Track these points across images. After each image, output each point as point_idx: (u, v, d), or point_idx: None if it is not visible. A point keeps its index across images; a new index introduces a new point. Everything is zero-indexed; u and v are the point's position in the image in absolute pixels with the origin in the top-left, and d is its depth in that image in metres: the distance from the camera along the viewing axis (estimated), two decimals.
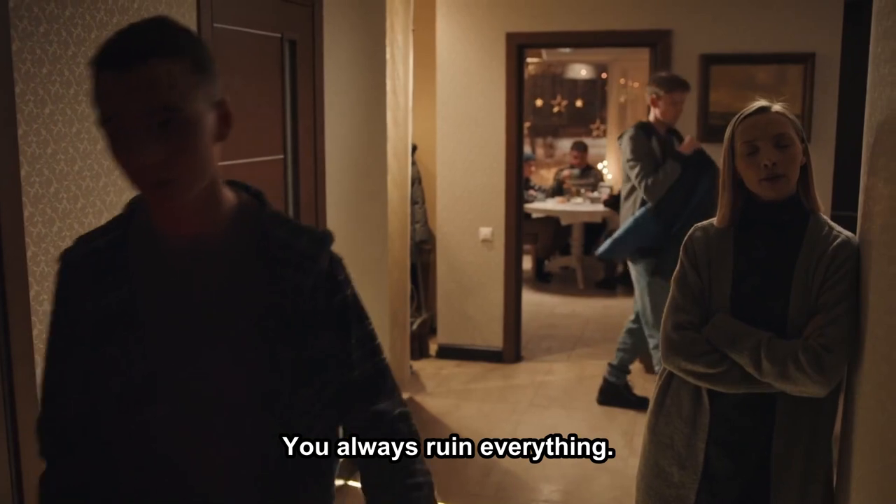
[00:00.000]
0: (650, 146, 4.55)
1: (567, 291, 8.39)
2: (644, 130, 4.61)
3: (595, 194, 8.79)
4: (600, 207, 8.50)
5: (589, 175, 9.27)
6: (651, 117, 4.70)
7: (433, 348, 6.17)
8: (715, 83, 5.31)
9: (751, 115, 2.09)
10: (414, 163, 5.85)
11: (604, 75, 11.09)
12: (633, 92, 10.33)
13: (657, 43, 5.43)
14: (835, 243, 2.02)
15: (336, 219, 3.77)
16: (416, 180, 6.05)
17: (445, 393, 5.38)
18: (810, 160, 2.11)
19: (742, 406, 2.10)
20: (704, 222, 2.23)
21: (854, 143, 3.80)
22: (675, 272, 2.22)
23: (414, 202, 5.92)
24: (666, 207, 4.47)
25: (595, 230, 9.16)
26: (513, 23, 5.65)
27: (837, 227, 2.08)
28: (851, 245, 2.02)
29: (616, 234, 4.72)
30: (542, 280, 8.84)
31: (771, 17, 5.18)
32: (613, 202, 8.27)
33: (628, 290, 8.27)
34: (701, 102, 5.36)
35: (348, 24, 3.84)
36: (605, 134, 10.87)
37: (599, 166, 10.17)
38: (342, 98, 3.80)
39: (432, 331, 6.30)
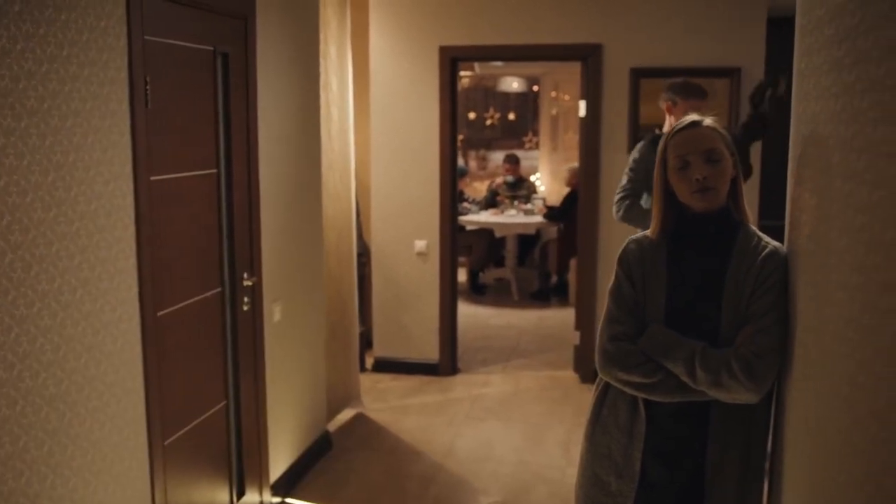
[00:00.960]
0: (652, 164, 4.31)
1: (501, 303, 8.44)
2: (655, 145, 4.36)
3: (528, 206, 8.87)
4: (534, 219, 8.58)
5: (522, 187, 9.36)
6: (666, 126, 4.43)
7: (369, 361, 6.14)
8: (645, 96, 5.42)
9: (682, 129, 2.14)
10: None
11: (535, 88, 11.22)
12: (565, 104, 10.47)
13: (588, 57, 5.52)
14: (763, 254, 2.07)
15: (271, 234, 3.73)
16: None
17: (383, 407, 5.36)
18: (740, 173, 2.16)
19: (677, 415, 2.14)
20: (638, 234, 2.27)
21: (779, 154, 3.91)
22: (610, 284, 2.25)
23: None
24: None
25: (529, 242, 9.25)
26: (446, 36, 5.68)
27: (766, 238, 2.14)
28: (779, 255, 2.07)
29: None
30: (477, 292, 8.87)
31: (698, 33, 5.31)
32: (553, 214, 8.34)
33: (562, 301, 8.38)
34: (631, 116, 5.46)
35: (281, 37, 3.81)
36: (537, 146, 10.98)
37: (532, 178, 10.28)
38: (276, 111, 3.77)
39: (369, 344, 6.27)
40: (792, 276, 2.02)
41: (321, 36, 4.43)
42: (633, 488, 2.18)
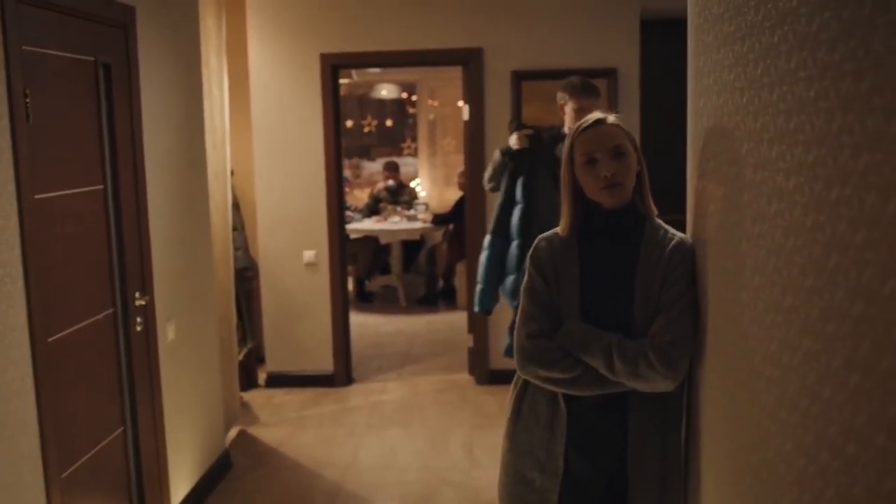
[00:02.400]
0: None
1: (390, 310, 8.42)
2: (506, 158, 4.38)
3: (411, 212, 8.89)
4: (418, 225, 8.61)
5: (403, 193, 9.37)
6: (566, 125, 4.31)
7: (262, 377, 6.01)
8: (527, 98, 5.52)
9: (588, 127, 2.18)
10: (231, 188, 5.69)
11: (409, 96, 11.25)
12: (442, 110, 10.55)
13: (469, 61, 5.58)
14: (671, 245, 2.14)
15: (162, 250, 3.60)
16: (235, 206, 5.88)
17: (279, 422, 5.25)
18: (644, 168, 2.22)
19: (597, 408, 2.18)
20: (548, 232, 2.30)
21: (661, 149, 4.03)
22: (524, 283, 2.28)
23: (233, 228, 5.75)
24: (503, 225, 4.34)
25: (414, 247, 9.27)
26: (326, 43, 5.63)
27: (672, 230, 2.21)
28: (686, 246, 2.14)
29: (478, 286, 4.46)
30: (365, 300, 8.83)
31: (576, 35, 5.46)
32: (444, 217, 8.42)
33: (450, 304, 8.43)
34: (514, 118, 5.54)
35: (162, 48, 3.68)
36: (416, 153, 11.02)
37: (412, 184, 10.31)
38: (161, 123, 3.64)
39: (260, 360, 6.14)
40: (700, 264, 2.09)
41: (203, 46, 4.31)
42: (558, 483, 2.21)
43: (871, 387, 1.11)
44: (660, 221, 2.23)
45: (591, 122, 2.19)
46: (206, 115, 4.35)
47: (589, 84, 4.32)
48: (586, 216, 2.22)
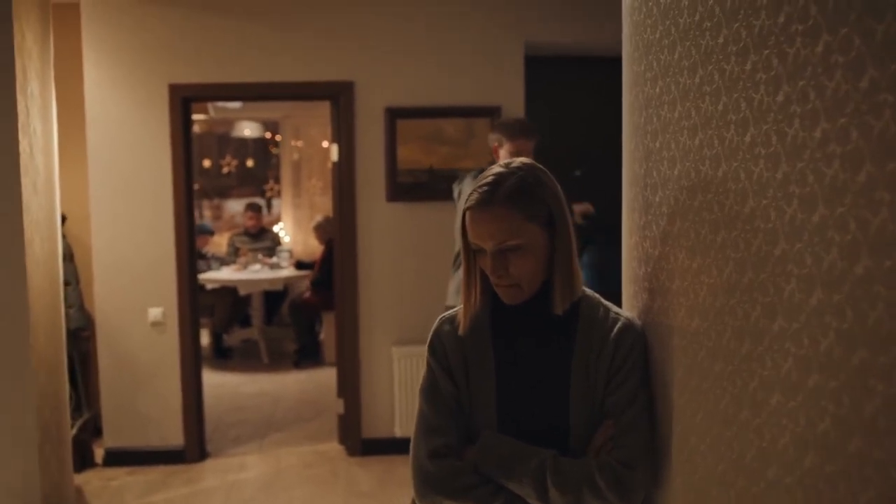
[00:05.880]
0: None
1: (251, 367, 7.69)
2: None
3: (273, 259, 8.20)
4: (281, 273, 7.93)
5: (265, 238, 8.68)
6: None
7: (99, 454, 5.18)
8: (402, 138, 5.01)
9: (473, 206, 1.59)
10: (63, 236, 4.91)
11: (271, 135, 10.60)
12: (308, 150, 9.93)
13: (339, 96, 5.03)
14: (615, 328, 1.64)
15: None
16: (67, 257, 5.09)
17: None
18: (566, 240, 1.62)
19: None
20: (452, 312, 1.76)
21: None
22: (422, 381, 1.72)
23: (66, 283, 4.94)
24: None
25: (276, 298, 8.58)
26: (177, 73, 4.97)
27: (614, 308, 1.70)
28: (635, 329, 1.65)
29: None
30: (222, 356, 8.06)
31: (456, 71, 5.00)
32: (319, 282, 7.65)
33: (315, 361, 7.75)
34: (388, 159, 5.03)
35: None
36: (279, 195, 10.34)
37: (276, 228, 9.62)
38: None
39: (97, 432, 5.32)
40: (658, 356, 1.60)
41: (19, 68, 3.59)
42: None
43: None
44: (597, 297, 1.73)
45: (476, 198, 1.59)
46: (24, 152, 3.61)
47: (526, 125, 4.00)
48: (495, 295, 1.69)
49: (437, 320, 1.75)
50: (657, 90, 1.56)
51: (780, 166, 1.09)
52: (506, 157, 3.85)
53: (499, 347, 1.67)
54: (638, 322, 1.67)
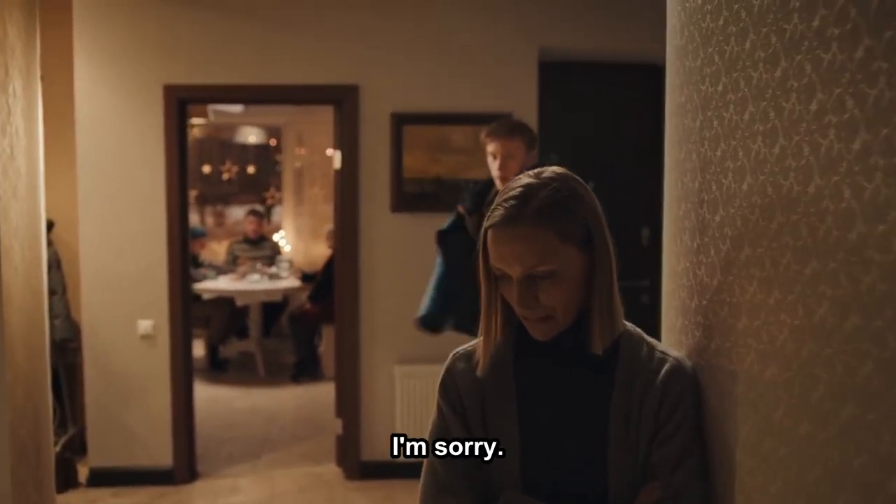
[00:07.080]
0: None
1: (246, 381, 7.42)
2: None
3: (273, 269, 7.93)
4: (280, 284, 7.67)
5: (264, 246, 8.41)
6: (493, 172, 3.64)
7: (83, 473, 4.91)
8: (409, 145, 4.76)
9: (497, 224, 1.33)
10: (50, 243, 4.66)
11: (276, 142, 10.36)
12: (311, 157, 9.68)
13: (342, 100, 4.78)
14: (662, 371, 1.38)
15: None
16: (54, 265, 4.83)
17: None
18: (606, 263, 1.36)
19: None
20: (467, 345, 1.50)
21: None
22: (430, 427, 1.46)
23: (52, 292, 4.69)
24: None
25: (275, 310, 8.32)
26: (172, 73, 4.72)
27: (659, 346, 1.44)
28: (685, 372, 1.39)
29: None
30: (217, 369, 7.79)
31: (468, 76, 4.75)
32: (318, 292, 7.32)
33: (314, 376, 7.47)
34: (393, 167, 4.78)
35: None
36: (280, 202, 10.09)
37: (276, 237, 9.36)
38: None
39: (82, 449, 5.05)
40: (714, 404, 1.34)
41: (0, 63, 3.35)
42: None
43: None
44: (637, 330, 1.46)
45: (499, 215, 1.32)
46: (5, 155, 3.37)
47: (501, 120, 3.64)
48: (520, 327, 1.44)
49: (451, 356, 1.49)
50: (719, 88, 1.30)
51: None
52: (489, 161, 3.54)
53: (523, 391, 1.41)
54: (688, 363, 1.41)
